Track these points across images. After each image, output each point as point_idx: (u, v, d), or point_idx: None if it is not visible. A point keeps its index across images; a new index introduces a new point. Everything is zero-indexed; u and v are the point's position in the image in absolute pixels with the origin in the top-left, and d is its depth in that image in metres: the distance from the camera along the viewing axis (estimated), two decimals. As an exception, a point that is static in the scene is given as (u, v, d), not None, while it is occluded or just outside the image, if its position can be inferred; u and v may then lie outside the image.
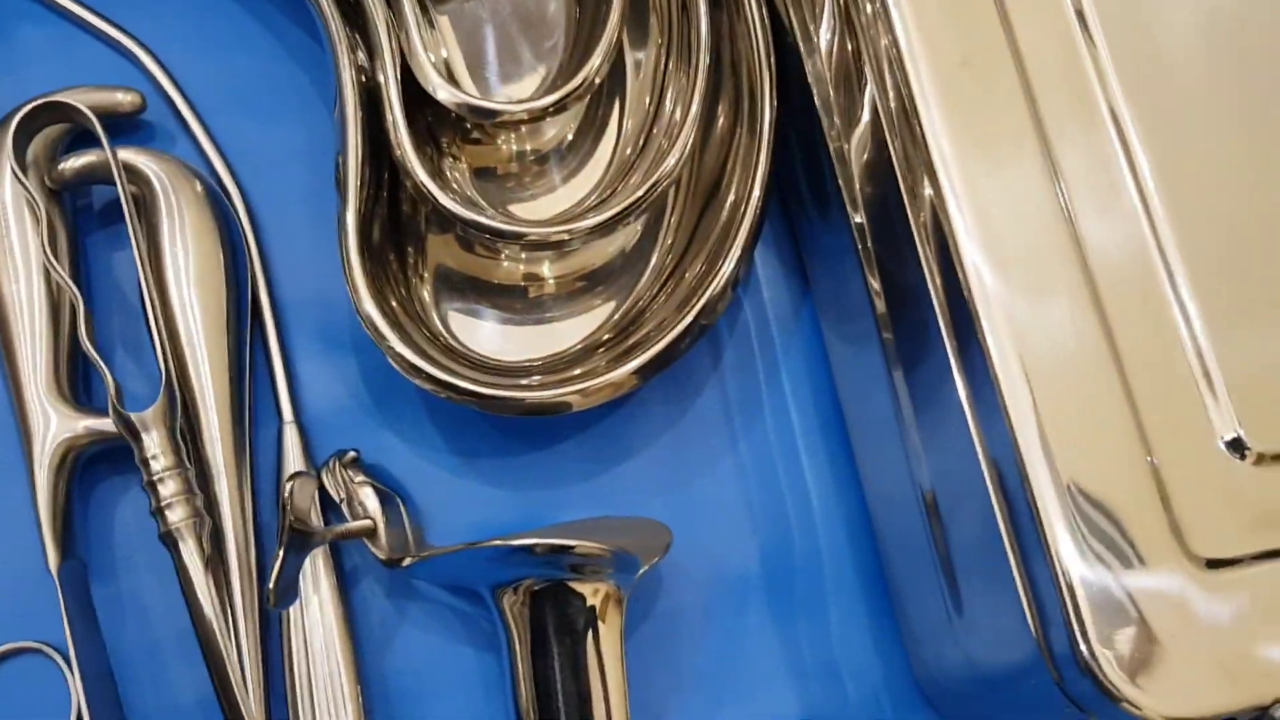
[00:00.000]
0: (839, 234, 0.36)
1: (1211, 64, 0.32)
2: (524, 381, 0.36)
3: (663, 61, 0.42)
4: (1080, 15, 0.31)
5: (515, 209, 0.41)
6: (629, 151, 0.41)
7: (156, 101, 0.40)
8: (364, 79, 0.38)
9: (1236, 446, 0.28)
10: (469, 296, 0.40)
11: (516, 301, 0.40)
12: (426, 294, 0.39)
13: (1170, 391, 0.28)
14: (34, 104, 0.36)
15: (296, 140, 0.40)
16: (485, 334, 0.39)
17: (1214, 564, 0.27)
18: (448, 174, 0.41)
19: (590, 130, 0.42)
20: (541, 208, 0.41)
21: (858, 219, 0.35)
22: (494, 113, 0.38)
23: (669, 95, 0.41)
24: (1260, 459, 0.28)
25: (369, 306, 0.35)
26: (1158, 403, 0.28)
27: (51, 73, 0.40)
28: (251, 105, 0.41)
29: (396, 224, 0.39)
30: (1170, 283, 0.29)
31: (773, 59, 0.39)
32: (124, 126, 0.39)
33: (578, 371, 0.36)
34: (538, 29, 0.42)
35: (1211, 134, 0.31)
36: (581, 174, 0.42)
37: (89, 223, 0.38)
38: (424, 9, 0.41)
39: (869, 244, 0.35)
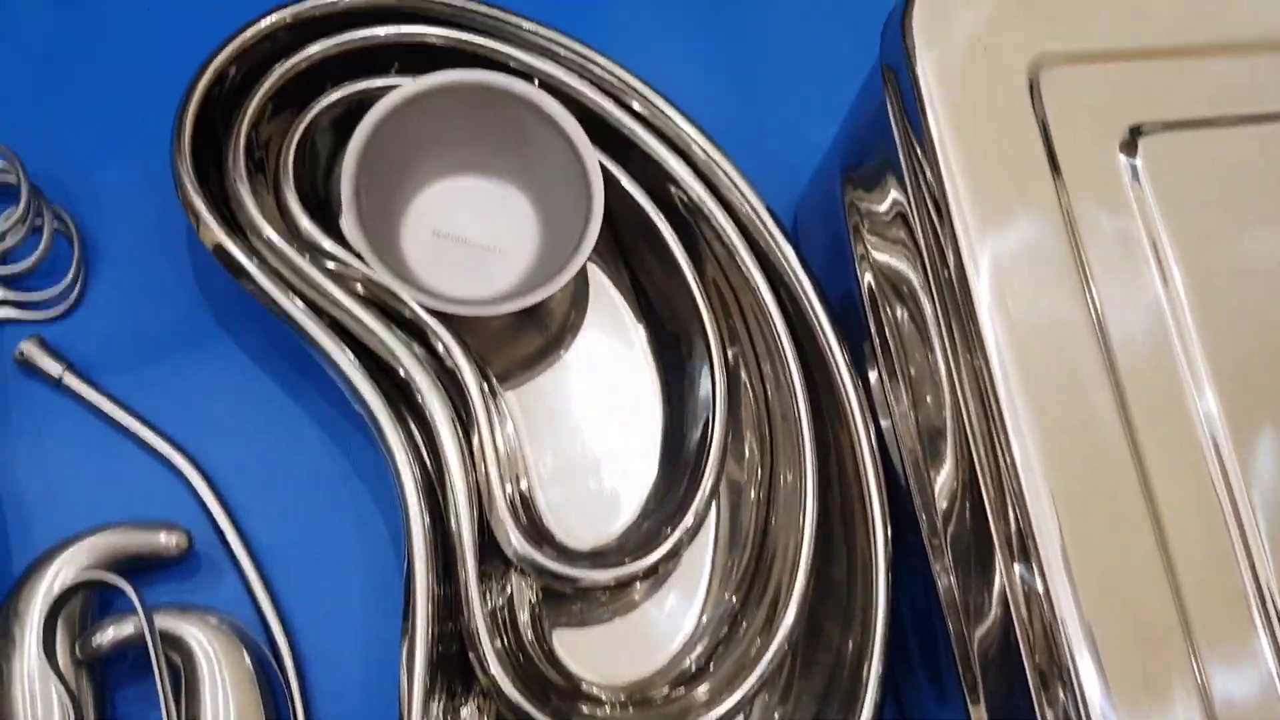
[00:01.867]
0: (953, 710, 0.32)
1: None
2: None
3: (763, 492, 0.38)
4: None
5: (594, 658, 0.36)
6: (729, 593, 0.37)
7: (203, 526, 0.36)
8: (431, 510, 0.35)
9: None
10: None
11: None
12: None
13: None
14: (66, 587, 0.32)
15: (351, 564, 0.37)
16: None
17: None
18: (514, 596, 0.37)
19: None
20: (625, 656, 0.37)
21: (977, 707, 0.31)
22: (573, 580, 0.35)
23: (773, 532, 0.37)
24: None
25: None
26: None
27: (93, 486, 0.37)
28: (305, 524, 0.37)
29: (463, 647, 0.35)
30: None
31: (888, 522, 0.35)
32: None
33: None
34: (626, 475, 0.38)
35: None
36: (675, 596, 0.37)
37: (122, 679, 0.35)
38: (495, 402, 0.38)
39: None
